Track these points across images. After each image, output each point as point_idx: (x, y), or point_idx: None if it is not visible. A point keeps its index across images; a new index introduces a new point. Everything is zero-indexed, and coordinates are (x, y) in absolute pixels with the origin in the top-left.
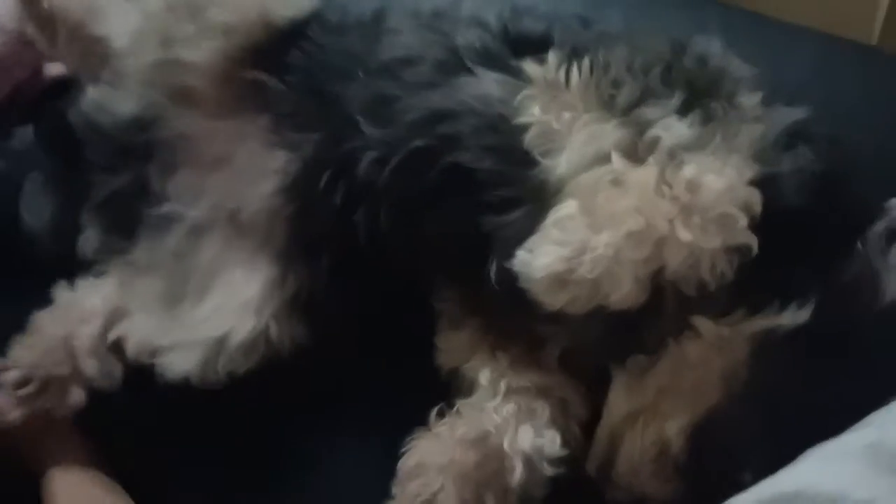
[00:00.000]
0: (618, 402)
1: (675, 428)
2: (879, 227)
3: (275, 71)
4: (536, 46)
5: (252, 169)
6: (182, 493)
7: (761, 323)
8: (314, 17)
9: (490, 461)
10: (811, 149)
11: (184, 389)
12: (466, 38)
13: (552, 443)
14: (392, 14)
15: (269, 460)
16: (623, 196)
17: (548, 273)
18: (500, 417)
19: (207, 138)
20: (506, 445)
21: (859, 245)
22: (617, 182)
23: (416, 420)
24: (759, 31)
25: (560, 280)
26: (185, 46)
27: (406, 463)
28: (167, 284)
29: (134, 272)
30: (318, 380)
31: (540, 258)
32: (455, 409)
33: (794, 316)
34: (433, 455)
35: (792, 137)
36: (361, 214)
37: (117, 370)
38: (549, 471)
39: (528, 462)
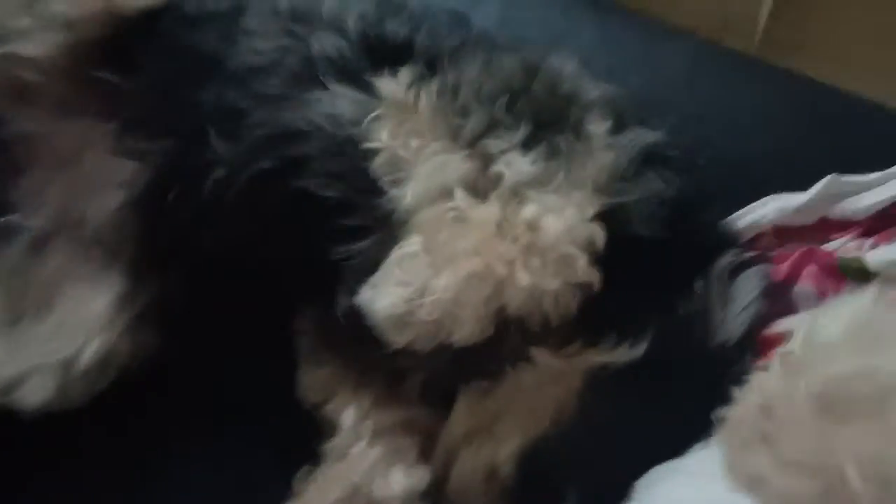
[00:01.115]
0: (457, 421)
1: (505, 452)
2: (724, 261)
3: (123, 69)
4: (396, 55)
5: (98, 178)
6: None
7: (595, 357)
8: (168, 9)
9: None
10: (664, 173)
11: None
12: (322, 45)
13: (422, 480)
14: (251, 10)
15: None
16: (464, 236)
17: (389, 314)
18: (367, 464)
19: (50, 140)
20: (377, 495)
21: (699, 281)
22: (459, 219)
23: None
24: (635, 30)
25: (401, 321)
26: (22, 39)
27: None
28: (5, 303)
29: None
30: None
31: (381, 299)
32: (320, 463)
33: (628, 352)
34: None
35: (645, 162)
36: (208, 235)
37: None
38: None
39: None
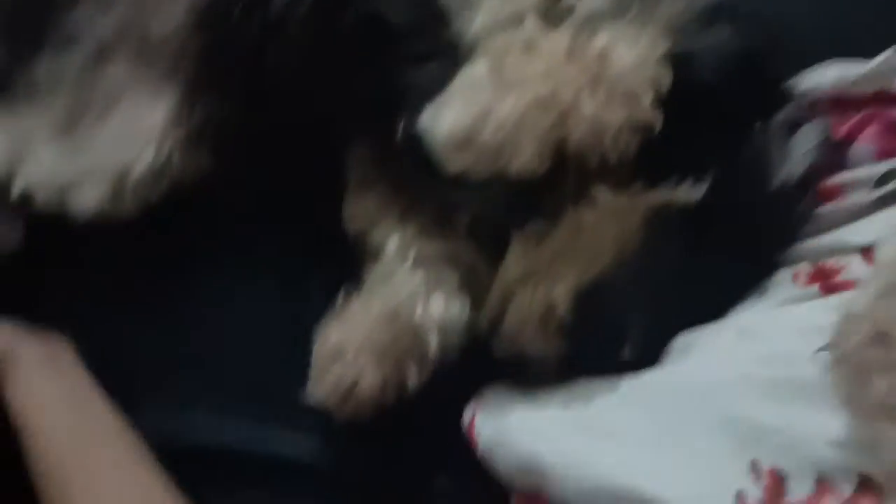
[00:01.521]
0: (513, 262)
1: (563, 289)
2: (781, 116)
3: None
4: None
5: None
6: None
7: (657, 196)
8: None
9: (405, 334)
10: (731, 26)
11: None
12: None
13: (462, 310)
14: None
15: (168, 302)
16: (532, 61)
17: (450, 134)
18: (409, 287)
19: None
20: (419, 317)
21: (758, 131)
22: (529, 46)
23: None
24: None
25: (462, 142)
26: None
27: (321, 348)
28: (66, 111)
29: (30, 102)
30: (226, 223)
31: (444, 118)
32: (363, 285)
33: (689, 192)
34: (349, 337)
35: (713, 13)
36: (273, 54)
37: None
38: (458, 335)
39: (442, 331)
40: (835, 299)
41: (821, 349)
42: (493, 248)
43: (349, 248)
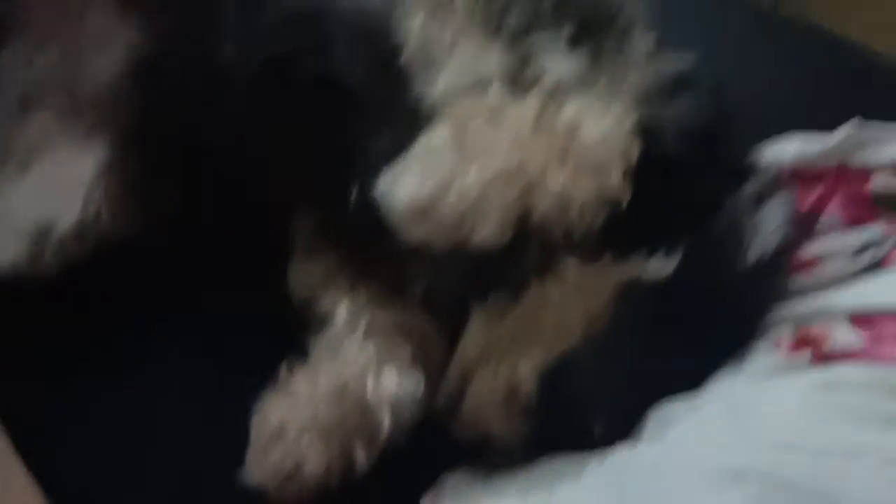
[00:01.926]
0: (473, 338)
1: (528, 368)
2: (750, 188)
3: None
4: None
5: (99, 40)
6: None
7: (627, 271)
8: None
9: (354, 411)
10: (694, 99)
11: None
12: None
13: (416, 385)
14: None
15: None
16: (498, 130)
17: (409, 203)
18: (360, 360)
19: None
20: (370, 394)
21: (727, 205)
22: (494, 114)
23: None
24: None
25: (421, 212)
26: None
27: (261, 426)
28: None
29: None
30: (154, 287)
31: (403, 186)
32: (307, 357)
33: (660, 266)
34: (292, 414)
35: (677, 85)
36: (212, 114)
37: None
38: (412, 412)
39: (394, 408)
40: (829, 373)
41: None
42: (450, 321)
43: (291, 317)
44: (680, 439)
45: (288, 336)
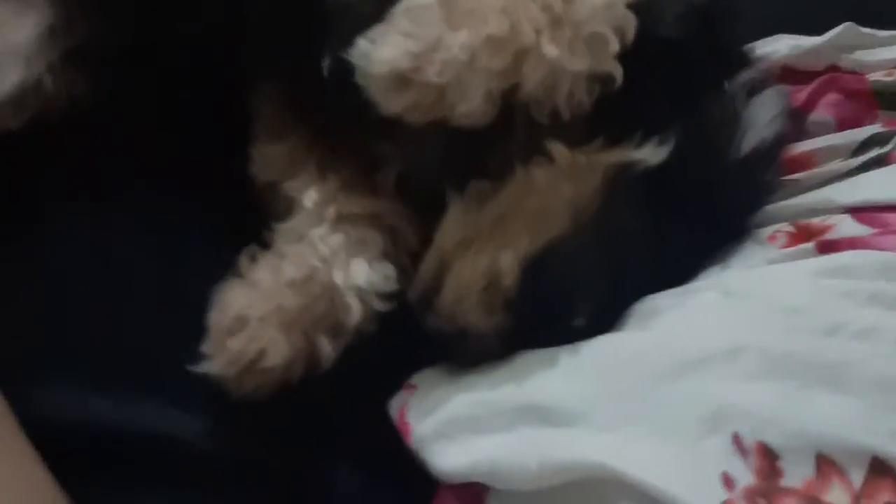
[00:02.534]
0: (452, 227)
1: (510, 257)
2: (744, 77)
3: None
4: None
5: None
6: None
7: (619, 155)
8: None
9: (320, 300)
10: None
11: None
12: None
13: (386, 277)
14: None
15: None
16: None
17: (390, 69)
18: (327, 249)
19: None
20: (338, 281)
21: (720, 92)
22: None
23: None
24: None
25: (402, 79)
26: None
27: (219, 318)
28: None
29: None
30: (97, 160)
31: (382, 50)
32: (271, 247)
33: (653, 152)
34: (252, 305)
35: None
36: None
37: None
38: (381, 306)
39: (363, 299)
40: (835, 259)
41: None
42: (425, 210)
43: (252, 203)
44: (668, 327)
45: (248, 222)
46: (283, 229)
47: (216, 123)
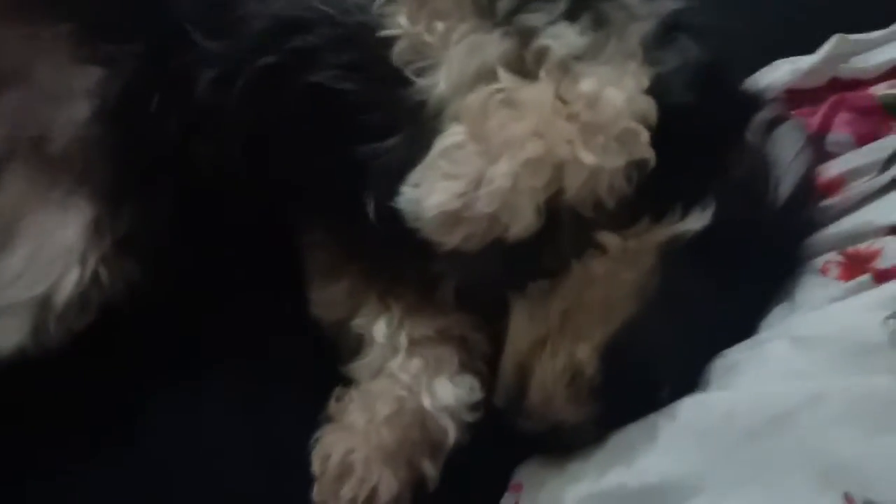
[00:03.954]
0: (520, 331)
1: (586, 349)
2: (759, 120)
3: None
4: None
5: (57, 89)
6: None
7: (666, 231)
8: None
9: (414, 428)
10: (693, 40)
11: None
12: None
13: (470, 388)
14: None
15: (125, 435)
16: (518, 118)
17: (441, 211)
18: (408, 376)
19: None
20: (427, 406)
21: (742, 142)
22: (509, 102)
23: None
24: None
25: (455, 217)
26: None
27: (324, 464)
28: None
29: None
30: (174, 338)
31: (431, 195)
32: (354, 385)
33: (698, 219)
34: (354, 448)
35: (673, 29)
36: (203, 143)
37: None
38: (471, 416)
39: (455, 416)
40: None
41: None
42: (490, 317)
43: (318, 345)
44: (748, 382)
45: (324, 365)
46: (362, 366)
47: (271, 276)
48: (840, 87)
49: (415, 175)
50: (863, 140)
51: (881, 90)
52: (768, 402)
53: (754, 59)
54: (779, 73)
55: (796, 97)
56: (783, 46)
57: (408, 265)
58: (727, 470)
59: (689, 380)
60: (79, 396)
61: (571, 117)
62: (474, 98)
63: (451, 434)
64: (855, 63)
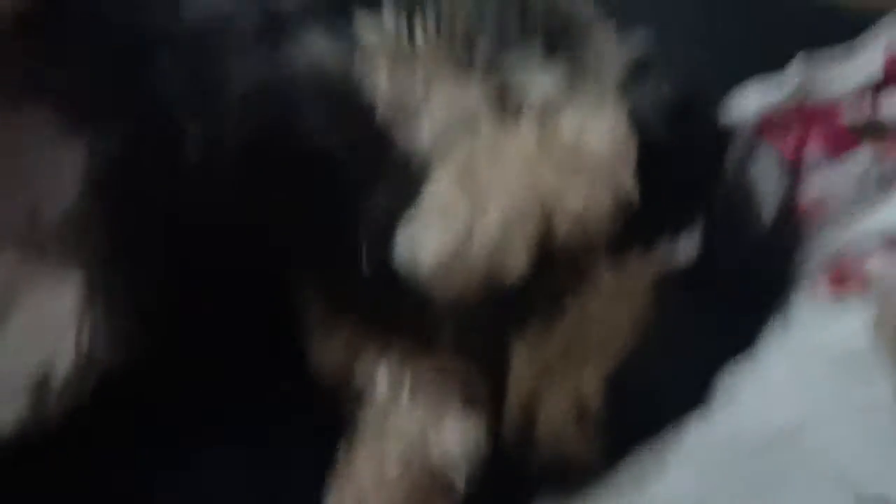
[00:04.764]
0: (523, 368)
1: (590, 385)
2: (735, 151)
3: (47, 42)
4: None
5: (43, 167)
6: None
7: (657, 263)
8: None
9: (425, 476)
10: (663, 76)
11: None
12: None
13: (476, 429)
14: None
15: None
16: (502, 165)
17: (435, 261)
18: (414, 425)
19: None
20: (436, 453)
21: (721, 174)
22: (492, 151)
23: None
24: None
25: (449, 267)
26: None
27: None
28: None
29: None
30: (174, 404)
31: (423, 245)
32: (356, 436)
33: (686, 249)
34: (363, 500)
35: (642, 67)
36: (193, 208)
37: None
38: (480, 457)
39: (465, 459)
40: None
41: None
42: (490, 359)
43: (324, 398)
44: (748, 400)
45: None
46: (366, 419)
47: (266, 334)
48: (810, 109)
49: (406, 228)
50: (837, 154)
51: (848, 115)
52: (770, 418)
53: (723, 83)
54: (748, 103)
55: (768, 123)
56: (749, 69)
57: (402, 314)
58: (733, 488)
59: (692, 404)
60: (80, 466)
61: (555, 163)
62: (459, 148)
63: (462, 477)
64: (823, 87)
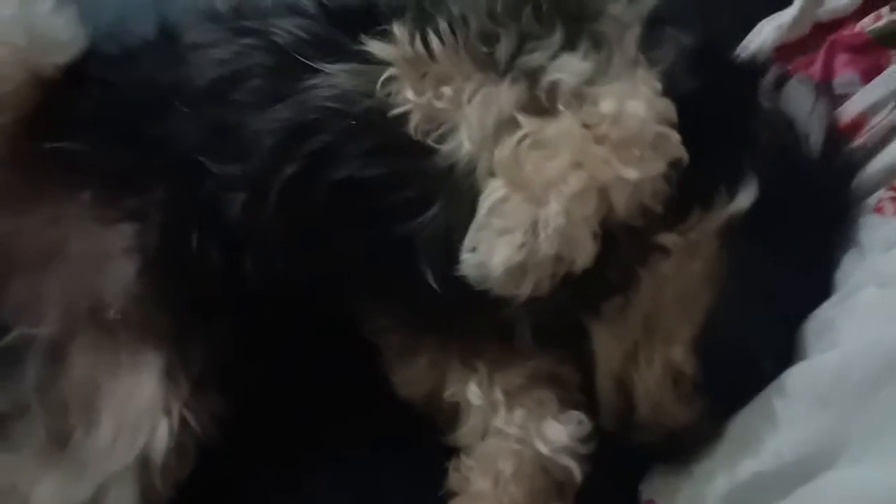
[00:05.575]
0: (608, 351)
1: (679, 349)
2: (766, 84)
3: (72, 132)
4: (364, 19)
5: (96, 256)
6: None
7: (719, 215)
8: (89, 55)
9: (538, 476)
10: (677, 28)
11: None
12: (287, 30)
13: (579, 422)
14: (183, 26)
15: None
16: (551, 157)
17: (508, 266)
18: (517, 429)
19: (21, 236)
20: (544, 452)
21: (757, 109)
22: (537, 144)
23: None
24: None
25: (522, 269)
26: None
27: None
28: (47, 427)
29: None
30: (268, 456)
31: (493, 255)
32: (465, 452)
33: (746, 195)
34: None
35: (657, 25)
36: (250, 262)
37: None
38: (586, 448)
39: (573, 453)
40: None
41: None
42: (572, 346)
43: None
44: (853, 336)
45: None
46: (467, 432)
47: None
48: (824, 30)
49: (469, 239)
50: (869, 75)
51: (868, 25)
52: (877, 349)
53: (736, 26)
54: (764, 35)
55: (787, 52)
56: (759, 7)
57: (479, 322)
58: (860, 424)
59: (785, 350)
60: None
61: (601, 139)
62: (503, 149)
63: (575, 471)
64: (830, 4)
